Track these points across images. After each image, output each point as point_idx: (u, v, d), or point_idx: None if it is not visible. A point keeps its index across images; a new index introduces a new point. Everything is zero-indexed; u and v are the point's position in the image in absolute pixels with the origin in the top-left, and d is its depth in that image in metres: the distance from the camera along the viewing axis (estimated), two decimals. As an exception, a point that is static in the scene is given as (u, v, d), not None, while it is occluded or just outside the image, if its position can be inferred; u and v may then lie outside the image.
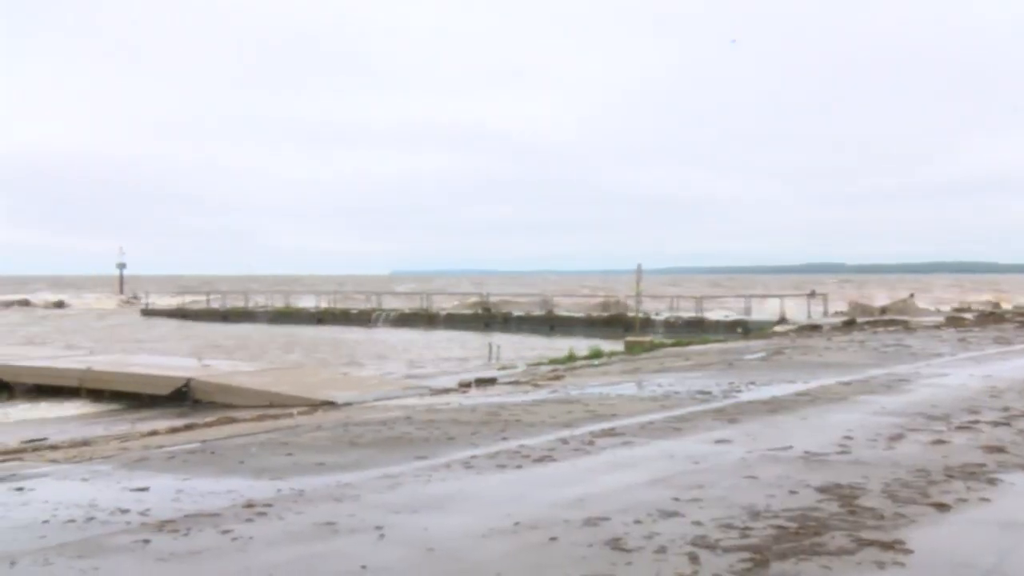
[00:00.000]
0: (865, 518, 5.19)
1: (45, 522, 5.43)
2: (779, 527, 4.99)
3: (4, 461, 8.24)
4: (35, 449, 9.44)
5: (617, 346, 26.01)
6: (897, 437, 7.97)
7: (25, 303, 71.57)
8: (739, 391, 11.61)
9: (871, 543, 4.69)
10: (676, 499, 5.70)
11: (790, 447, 7.48)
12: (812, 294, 40.11)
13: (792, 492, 5.84)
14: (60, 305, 70.43)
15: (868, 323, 28.68)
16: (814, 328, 27.77)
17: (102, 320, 51.57)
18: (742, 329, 33.15)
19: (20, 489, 6.52)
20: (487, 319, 42.66)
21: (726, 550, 4.58)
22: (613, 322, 38.27)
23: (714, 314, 40.10)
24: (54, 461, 7.98)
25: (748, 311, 39.90)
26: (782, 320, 34.09)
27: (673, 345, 24.10)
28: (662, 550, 4.60)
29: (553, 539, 4.83)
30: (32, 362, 19.27)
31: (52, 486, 6.68)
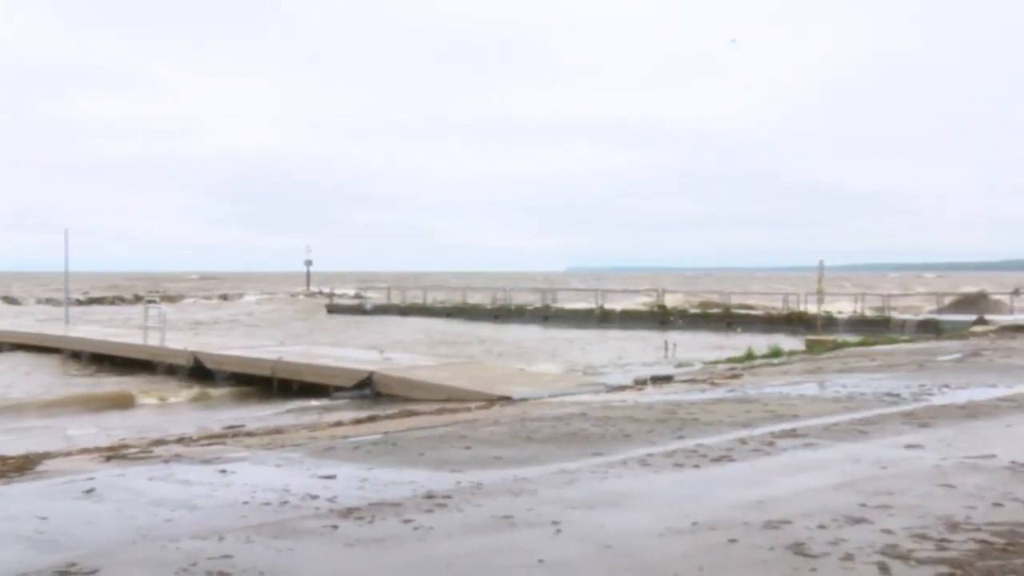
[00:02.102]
0: (1081, 536, 4.76)
1: (245, 503, 5.79)
2: (982, 541, 4.66)
3: (209, 445, 8.86)
4: (234, 435, 10.08)
5: (797, 345, 25.14)
6: (1116, 448, 7.29)
7: (224, 298, 76.65)
8: (931, 394, 10.96)
9: (1088, 563, 4.29)
10: (863, 505, 5.43)
11: (992, 456, 6.98)
12: (1017, 292, 37.35)
13: (996, 504, 5.45)
14: (255, 300, 74.96)
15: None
16: (1019, 328, 25.84)
17: (291, 314, 54.43)
18: (934, 329, 31.26)
19: (223, 471, 6.98)
20: (662, 316, 42.11)
21: (920, 562, 4.32)
22: (793, 320, 36.97)
23: (902, 312, 38.04)
24: (250, 447, 8.50)
25: (940, 309, 37.61)
26: (980, 320, 31.91)
27: (858, 345, 23.03)
28: (849, 558, 4.40)
29: (732, 541, 4.72)
30: (231, 352, 20.60)
31: (250, 470, 7.11)
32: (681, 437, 8.12)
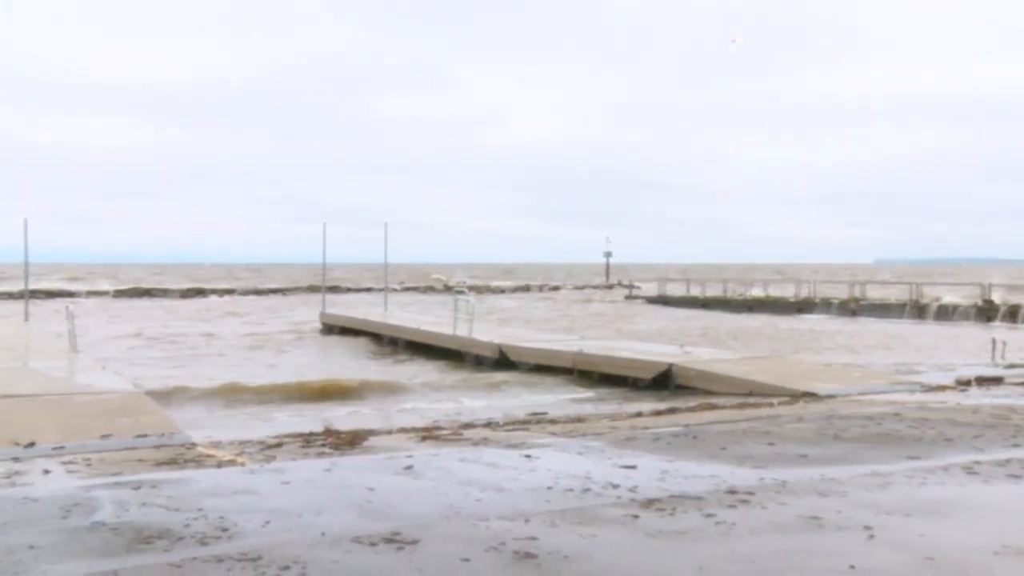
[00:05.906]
0: None
1: (549, 488, 5.99)
2: None
3: (515, 431, 9.25)
4: (538, 422, 10.45)
5: None
6: None
7: (526, 289, 79.72)
8: None
9: None
10: None
11: None
12: None
13: None
14: (555, 291, 77.32)
15: None
16: None
17: (591, 306, 55.54)
18: None
19: (528, 456, 7.26)
20: (989, 312, 38.32)
21: None
22: None
23: None
24: (553, 434, 8.77)
25: None
26: None
27: None
28: None
29: (1083, 566, 4.19)
30: (533, 344, 21.36)
31: (553, 456, 7.34)
32: (1016, 445, 7.36)
